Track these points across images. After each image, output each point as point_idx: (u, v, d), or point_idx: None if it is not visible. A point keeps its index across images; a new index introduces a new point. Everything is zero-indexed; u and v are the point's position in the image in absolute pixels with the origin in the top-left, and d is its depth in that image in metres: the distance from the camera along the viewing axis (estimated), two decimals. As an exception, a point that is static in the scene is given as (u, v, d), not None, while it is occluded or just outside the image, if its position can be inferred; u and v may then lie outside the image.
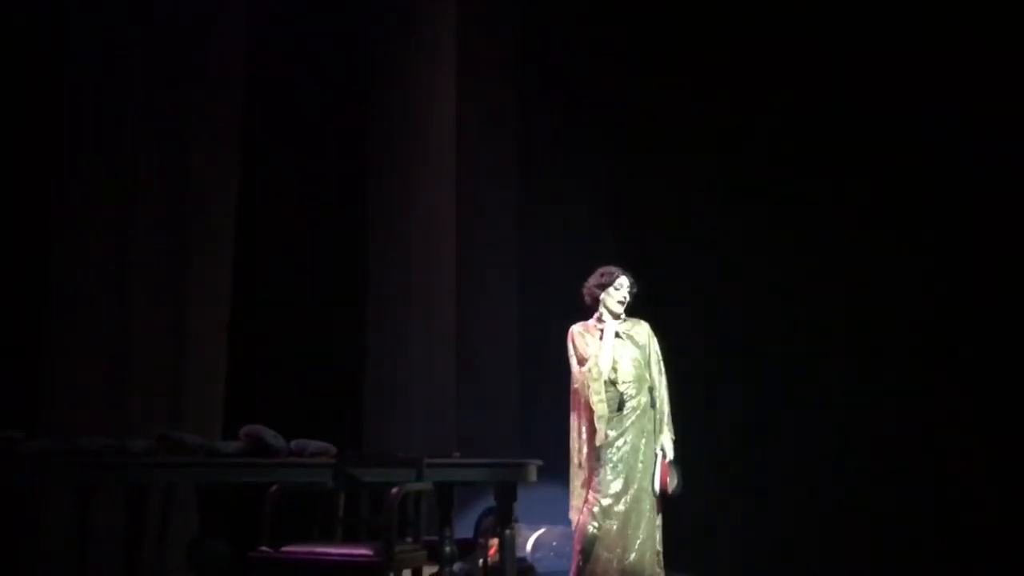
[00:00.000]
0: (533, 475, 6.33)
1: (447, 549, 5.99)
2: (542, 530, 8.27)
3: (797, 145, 8.16)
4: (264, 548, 5.64)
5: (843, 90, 8.08)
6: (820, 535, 7.79)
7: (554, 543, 8.29)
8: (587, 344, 6.33)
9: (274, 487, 5.82)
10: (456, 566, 6.13)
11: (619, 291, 6.41)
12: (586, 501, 6.17)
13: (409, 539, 5.89)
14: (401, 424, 8.24)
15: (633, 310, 6.48)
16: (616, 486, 6.16)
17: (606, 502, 6.14)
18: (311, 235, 8.20)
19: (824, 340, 8.04)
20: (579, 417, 6.29)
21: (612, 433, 6.20)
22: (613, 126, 8.73)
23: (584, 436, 6.25)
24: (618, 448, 6.19)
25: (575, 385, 6.30)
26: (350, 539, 5.90)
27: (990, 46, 7.55)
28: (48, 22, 7.48)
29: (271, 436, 6.08)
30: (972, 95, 7.59)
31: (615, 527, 6.13)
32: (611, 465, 6.17)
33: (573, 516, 6.24)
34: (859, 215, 8.06)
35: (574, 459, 6.27)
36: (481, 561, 6.29)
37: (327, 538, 5.81)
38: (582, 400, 6.26)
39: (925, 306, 7.82)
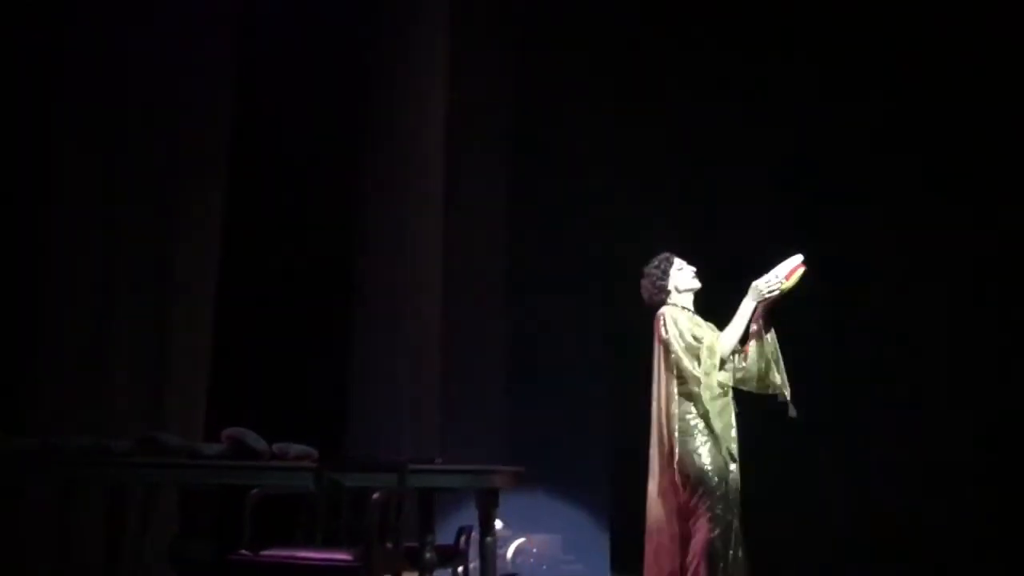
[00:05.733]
0: (515, 482, 6.32)
1: (428, 555, 5.98)
2: (522, 539, 8.28)
3: (798, 154, 8.12)
4: (244, 551, 5.63)
5: (846, 89, 8.04)
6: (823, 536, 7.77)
7: (534, 550, 8.29)
8: (693, 327, 5.90)
9: (255, 490, 5.81)
10: (437, 572, 6.11)
11: (683, 271, 6.09)
12: (698, 514, 5.77)
13: (390, 544, 5.87)
14: (384, 429, 8.22)
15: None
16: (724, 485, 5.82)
17: (720, 507, 5.78)
18: (298, 239, 8.19)
19: (827, 345, 8.00)
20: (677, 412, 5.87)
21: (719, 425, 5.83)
22: (605, 132, 8.73)
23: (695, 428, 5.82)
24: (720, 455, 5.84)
25: (692, 379, 5.85)
26: (330, 543, 5.88)
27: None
28: (40, 21, 7.47)
29: (253, 439, 6.06)
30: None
31: (734, 523, 5.79)
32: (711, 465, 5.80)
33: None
34: (875, 210, 8.02)
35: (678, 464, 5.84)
36: (461, 568, 6.27)
37: (307, 542, 5.80)
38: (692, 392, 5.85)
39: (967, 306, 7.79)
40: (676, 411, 5.90)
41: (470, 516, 6.41)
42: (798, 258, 6.01)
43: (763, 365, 6.01)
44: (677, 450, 5.86)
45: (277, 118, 8.20)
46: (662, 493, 5.93)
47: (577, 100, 8.86)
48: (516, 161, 9.14)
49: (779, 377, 6.03)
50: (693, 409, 5.90)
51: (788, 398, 6.01)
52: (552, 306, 8.90)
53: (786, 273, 5.97)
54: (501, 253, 9.17)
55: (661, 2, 8.69)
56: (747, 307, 6.00)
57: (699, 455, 5.84)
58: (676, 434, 5.87)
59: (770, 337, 6.04)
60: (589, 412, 8.71)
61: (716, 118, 8.37)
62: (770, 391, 6.04)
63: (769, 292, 5.97)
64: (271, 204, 8.14)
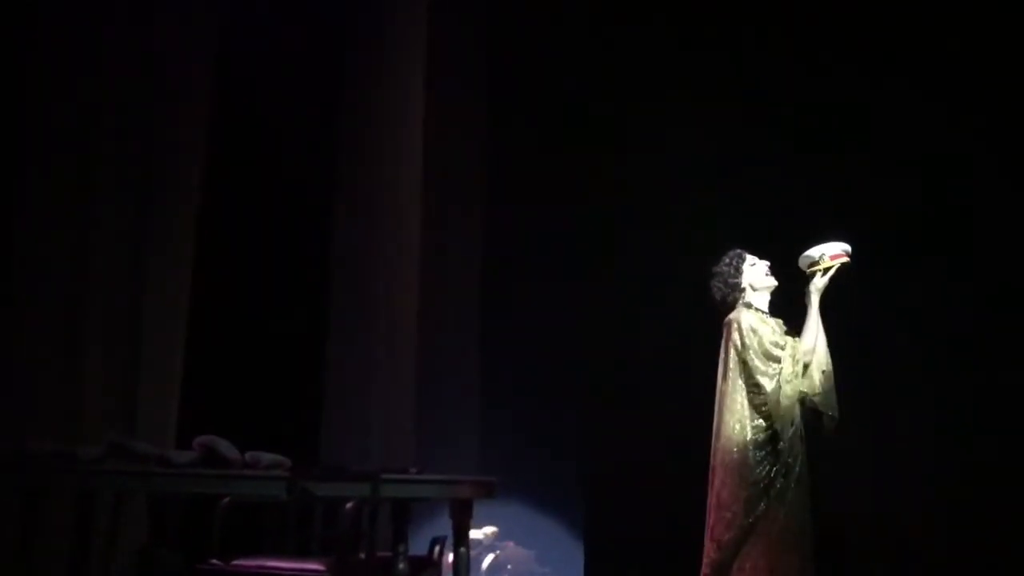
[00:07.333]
0: (490, 492, 6.28)
1: (400, 565, 5.93)
2: (496, 551, 8.24)
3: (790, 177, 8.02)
4: (214, 560, 5.58)
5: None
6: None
7: (508, 565, 8.26)
8: (772, 333, 5.62)
9: (226, 499, 5.75)
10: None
11: (756, 266, 5.78)
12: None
13: (362, 554, 5.82)
14: (358, 438, 8.20)
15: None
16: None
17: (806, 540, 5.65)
18: (273, 245, 8.15)
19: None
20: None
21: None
22: (586, 144, 8.71)
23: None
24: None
25: (771, 391, 5.58)
26: (302, 553, 5.83)
27: None
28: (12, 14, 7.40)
29: (225, 447, 5.99)
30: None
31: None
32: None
33: None
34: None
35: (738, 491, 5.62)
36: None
37: (278, 552, 5.75)
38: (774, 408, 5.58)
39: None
40: (749, 424, 5.68)
41: (444, 526, 6.37)
42: (847, 249, 5.76)
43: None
44: (750, 458, 5.63)
45: (255, 125, 8.15)
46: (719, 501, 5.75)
47: (552, 103, 8.85)
48: (495, 176, 9.14)
49: (817, 379, 5.72)
50: (765, 421, 5.67)
51: (820, 406, 5.71)
52: (526, 318, 8.89)
53: (832, 253, 5.72)
54: (476, 263, 9.17)
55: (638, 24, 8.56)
56: (814, 302, 5.74)
57: (764, 465, 5.64)
58: (749, 448, 5.63)
59: (808, 335, 5.74)
60: (563, 424, 8.70)
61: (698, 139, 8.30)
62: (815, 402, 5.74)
63: (811, 265, 5.71)
64: (247, 210, 8.10)
